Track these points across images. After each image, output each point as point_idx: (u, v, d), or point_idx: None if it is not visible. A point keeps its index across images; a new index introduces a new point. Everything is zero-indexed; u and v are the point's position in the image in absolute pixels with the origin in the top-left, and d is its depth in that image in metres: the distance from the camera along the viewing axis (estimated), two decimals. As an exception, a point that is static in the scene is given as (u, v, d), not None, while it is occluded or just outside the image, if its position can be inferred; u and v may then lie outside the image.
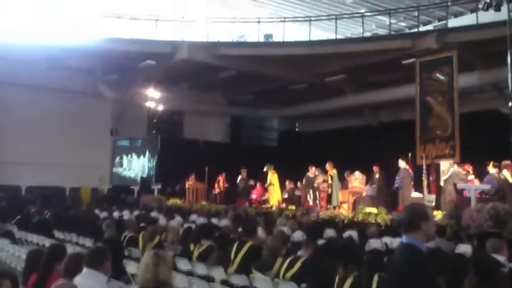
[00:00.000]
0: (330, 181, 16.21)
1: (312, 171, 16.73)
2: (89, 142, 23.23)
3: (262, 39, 21.58)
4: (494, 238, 6.61)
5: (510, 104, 11.91)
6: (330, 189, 16.24)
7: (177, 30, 20.67)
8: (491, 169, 12.63)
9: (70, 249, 6.90)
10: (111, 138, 24.65)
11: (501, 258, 5.85)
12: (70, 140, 22.36)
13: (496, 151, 13.61)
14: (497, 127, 14.99)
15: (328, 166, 16.33)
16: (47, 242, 8.90)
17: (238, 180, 19.14)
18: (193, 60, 19.89)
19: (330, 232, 9.44)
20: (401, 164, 14.72)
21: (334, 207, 15.13)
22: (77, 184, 23.00)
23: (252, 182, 19.25)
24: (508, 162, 12.13)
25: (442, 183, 13.76)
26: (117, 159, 24.93)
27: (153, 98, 21.79)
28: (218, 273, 6.85)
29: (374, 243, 7.80)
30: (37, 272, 5.08)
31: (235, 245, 6.96)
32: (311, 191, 16.60)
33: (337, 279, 5.26)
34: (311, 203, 16.17)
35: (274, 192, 17.83)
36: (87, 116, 23.19)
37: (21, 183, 21.85)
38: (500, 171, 12.44)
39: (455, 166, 13.63)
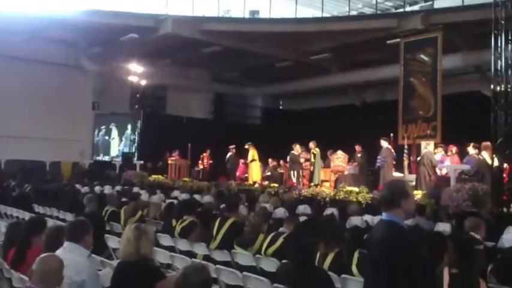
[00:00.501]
0: (312, 159, 16.30)
1: (297, 149, 16.74)
2: (70, 116, 22.96)
3: (248, 15, 21.39)
4: (473, 217, 6.71)
5: (492, 86, 12.00)
6: (312, 167, 16.35)
7: (161, 3, 20.37)
8: (471, 150, 12.80)
9: (51, 223, 6.86)
10: (93, 112, 24.38)
11: (478, 237, 5.96)
12: (51, 113, 22.04)
13: (477, 132, 13.76)
14: (478, 109, 15.14)
15: (311, 144, 16.41)
16: (27, 216, 8.82)
17: (227, 157, 18.99)
18: (178, 35, 19.64)
19: (301, 208, 9.53)
20: (384, 143, 14.81)
21: (316, 185, 15.23)
22: (57, 158, 22.79)
23: (241, 159, 19.13)
24: (488, 143, 12.26)
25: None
26: (99, 133, 24.69)
27: (136, 72, 21.54)
28: (200, 249, 6.87)
29: (355, 221, 7.88)
30: (16, 245, 5.04)
31: (217, 221, 6.98)
32: (294, 169, 16.58)
33: (318, 256, 5.32)
34: (294, 180, 16.22)
35: (255, 168, 17.88)
36: (68, 89, 22.87)
37: (1, 157, 21.59)
38: (479, 152, 12.60)
39: (428, 147, 13.73)
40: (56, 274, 3.44)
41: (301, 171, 16.56)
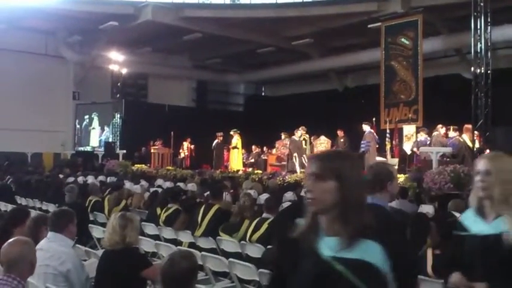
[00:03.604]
0: (304, 146, 16.09)
1: (298, 134, 15.93)
2: (51, 106, 22.72)
3: (228, 1, 21.25)
4: (456, 199, 6.79)
5: (472, 68, 12.11)
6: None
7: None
8: (452, 133, 12.93)
9: (34, 215, 6.79)
10: (74, 102, 24.12)
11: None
12: (31, 103, 21.77)
13: (457, 115, 13.91)
14: (458, 91, 15.29)
15: (302, 130, 16.11)
16: (9, 208, 8.72)
17: (214, 144, 18.80)
18: (158, 22, 19.47)
19: (289, 196, 9.56)
20: (366, 128, 14.87)
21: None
22: (39, 150, 22.54)
23: (229, 146, 18.89)
24: (469, 126, 12.41)
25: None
26: (83, 123, 24.44)
27: (117, 60, 21.33)
28: (185, 236, 6.87)
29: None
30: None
31: (202, 208, 6.97)
32: (296, 155, 15.59)
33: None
34: (297, 166, 15.30)
35: (237, 156, 17.82)
36: (48, 79, 22.62)
37: (-19, 149, 21.31)
38: (460, 134, 12.74)
39: (440, 130, 13.65)
40: (21, 259, 3.28)
41: (304, 156, 15.58)
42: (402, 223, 4.08)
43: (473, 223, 2.77)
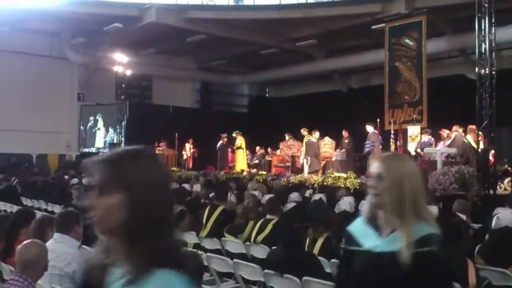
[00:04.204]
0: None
1: (315, 136, 15.39)
2: (55, 108, 22.83)
3: (232, 3, 21.30)
4: (461, 199, 6.79)
5: (476, 69, 12.08)
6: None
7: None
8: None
9: (39, 216, 6.81)
10: (78, 104, 24.19)
11: (465, 217, 6.04)
12: (35, 105, 21.86)
13: (462, 116, 13.89)
14: (463, 92, 15.25)
15: (304, 132, 16.00)
16: (15, 209, 8.74)
17: (218, 146, 18.81)
18: (162, 24, 19.51)
19: (294, 196, 9.56)
20: (369, 128, 14.86)
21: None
22: (44, 151, 22.63)
23: (233, 147, 18.87)
24: (473, 127, 12.37)
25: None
26: (87, 124, 24.51)
27: (121, 62, 21.38)
28: (190, 237, 6.88)
29: (343, 205, 7.93)
30: (3, 238, 4.98)
31: (207, 209, 6.99)
32: (309, 158, 15.13)
33: (308, 241, 5.36)
34: (306, 170, 14.95)
35: (241, 156, 17.84)
36: (53, 81, 22.73)
37: (-14, 150, 21.39)
38: (465, 135, 12.72)
39: (460, 130, 13.53)
40: (37, 261, 3.36)
41: (318, 159, 15.22)
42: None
43: (365, 236, 2.36)
